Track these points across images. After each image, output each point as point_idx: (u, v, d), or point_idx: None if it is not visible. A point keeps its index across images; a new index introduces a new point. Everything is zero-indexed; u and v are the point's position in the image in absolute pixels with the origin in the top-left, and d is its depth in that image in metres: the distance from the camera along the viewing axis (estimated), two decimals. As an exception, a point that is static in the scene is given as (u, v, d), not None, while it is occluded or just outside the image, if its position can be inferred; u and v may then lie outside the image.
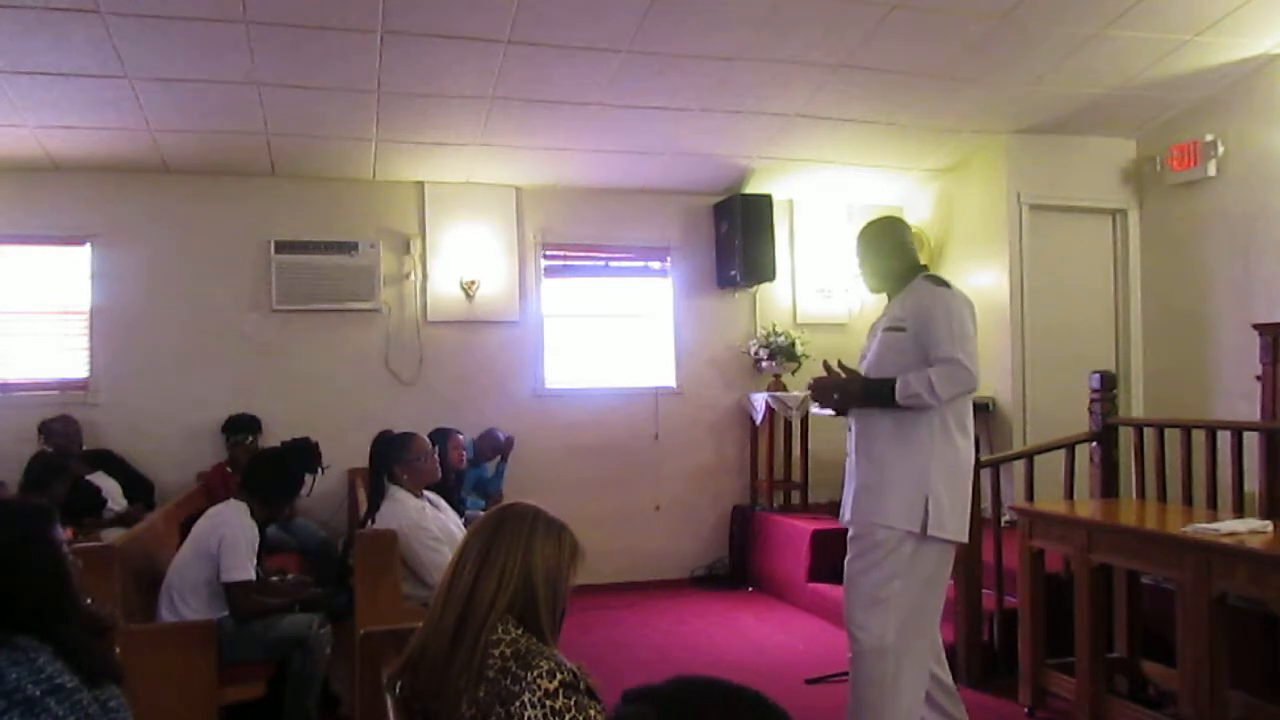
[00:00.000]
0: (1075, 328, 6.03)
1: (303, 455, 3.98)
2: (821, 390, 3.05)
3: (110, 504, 5.00)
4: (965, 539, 2.97)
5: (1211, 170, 5.40)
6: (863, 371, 3.08)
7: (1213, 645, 2.91)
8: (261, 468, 3.83)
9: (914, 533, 2.86)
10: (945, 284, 3.04)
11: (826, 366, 3.10)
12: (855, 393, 2.99)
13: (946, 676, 3.10)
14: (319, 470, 5.08)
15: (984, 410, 5.99)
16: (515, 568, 1.68)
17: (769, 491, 6.40)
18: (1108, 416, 4.23)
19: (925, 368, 2.88)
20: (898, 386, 2.85)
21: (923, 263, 3.25)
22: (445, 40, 4.49)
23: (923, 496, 2.86)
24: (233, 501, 3.59)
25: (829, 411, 3.16)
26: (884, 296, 3.19)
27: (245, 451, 5.35)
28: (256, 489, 3.64)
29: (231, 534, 3.41)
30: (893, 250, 3.12)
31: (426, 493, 3.85)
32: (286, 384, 5.88)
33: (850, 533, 3.03)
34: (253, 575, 3.44)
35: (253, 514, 3.56)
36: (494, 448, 5.86)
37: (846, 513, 3.06)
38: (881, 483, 2.92)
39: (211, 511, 3.61)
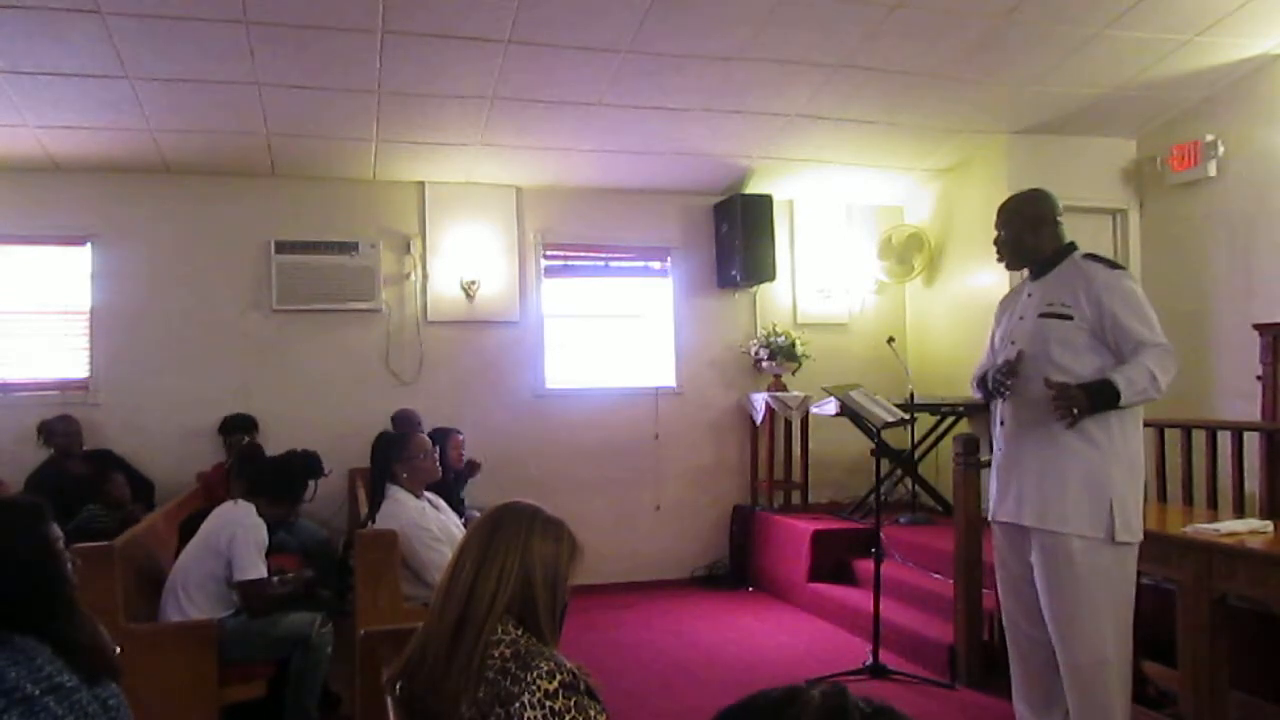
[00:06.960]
0: (1076, 328, 6.00)
1: (308, 462, 4.04)
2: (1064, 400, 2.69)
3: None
4: (1142, 537, 2.81)
5: (1212, 170, 5.40)
6: (1005, 356, 2.88)
7: (1213, 645, 2.91)
8: (265, 469, 3.85)
9: (1101, 539, 2.72)
10: (1118, 265, 2.81)
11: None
12: (1083, 401, 2.65)
13: None
14: (320, 478, 5.06)
15: (985, 410, 5.97)
16: (514, 567, 1.67)
17: (769, 491, 6.40)
18: (1108, 416, 4.22)
19: (1107, 359, 2.73)
20: (1122, 388, 2.63)
21: (1068, 241, 2.94)
22: (445, 40, 4.49)
23: (1107, 499, 2.71)
24: (240, 502, 3.60)
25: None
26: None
27: (243, 452, 5.35)
28: (260, 490, 3.65)
29: (242, 532, 3.43)
30: (1039, 224, 2.90)
31: (426, 493, 3.86)
32: (286, 384, 5.88)
33: (1035, 542, 2.85)
34: (264, 573, 3.46)
35: (259, 513, 3.56)
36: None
37: (1012, 510, 2.88)
38: (1060, 484, 2.75)
39: (219, 510, 3.62)
